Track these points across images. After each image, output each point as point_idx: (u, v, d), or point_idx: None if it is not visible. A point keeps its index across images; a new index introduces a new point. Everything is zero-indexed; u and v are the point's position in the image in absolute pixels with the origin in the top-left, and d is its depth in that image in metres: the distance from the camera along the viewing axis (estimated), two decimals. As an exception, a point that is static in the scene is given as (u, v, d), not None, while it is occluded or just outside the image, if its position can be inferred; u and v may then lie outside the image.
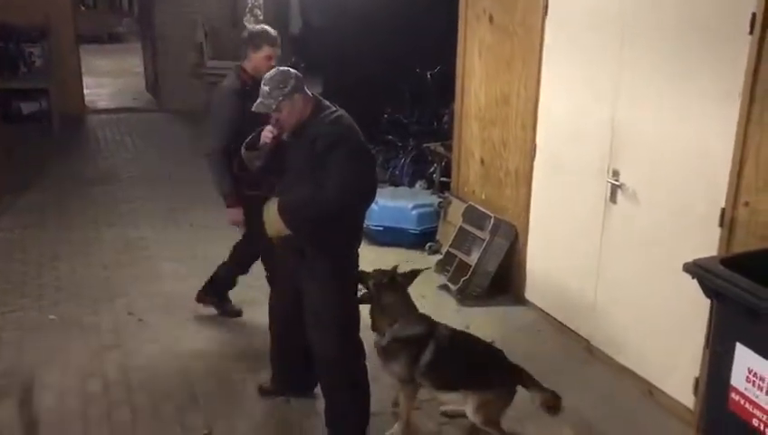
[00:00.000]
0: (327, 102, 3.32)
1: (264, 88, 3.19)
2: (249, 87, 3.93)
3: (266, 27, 4.17)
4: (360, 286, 3.48)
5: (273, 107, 3.16)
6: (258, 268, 5.39)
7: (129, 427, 3.61)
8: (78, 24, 11.07)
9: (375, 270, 3.48)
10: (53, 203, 6.95)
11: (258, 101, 3.20)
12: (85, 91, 11.32)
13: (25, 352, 4.26)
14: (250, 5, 9.54)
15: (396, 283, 3.45)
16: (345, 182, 3.11)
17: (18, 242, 5.97)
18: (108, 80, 13.89)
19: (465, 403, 3.45)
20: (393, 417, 3.64)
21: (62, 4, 10.49)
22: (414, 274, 3.52)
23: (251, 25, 4.17)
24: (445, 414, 3.74)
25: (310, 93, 3.26)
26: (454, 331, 3.54)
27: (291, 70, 3.25)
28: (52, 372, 4.06)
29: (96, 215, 6.69)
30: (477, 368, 3.47)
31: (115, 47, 18.29)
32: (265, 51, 4.06)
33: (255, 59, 4.07)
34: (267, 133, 3.31)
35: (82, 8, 16.21)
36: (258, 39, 4.08)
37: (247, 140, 3.41)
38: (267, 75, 3.23)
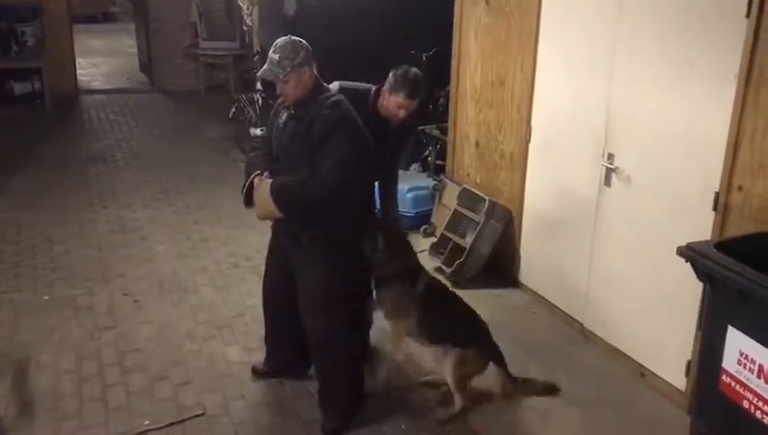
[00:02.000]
0: (327, 85, 3.30)
1: (274, 56, 3.12)
2: (371, 116, 3.59)
3: (417, 79, 3.63)
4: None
5: (281, 76, 3.11)
6: (253, 244, 5.41)
7: (124, 407, 3.62)
8: (71, 3, 10.95)
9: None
10: (47, 184, 6.92)
11: (265, 67, 3.15)
12: (78, 72, 11.23)
13: (20, 333, 4.26)
14: (245, -14, 9.46)
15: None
16: (340, 168, 3.09)
17: (12, 223, 5.94)
18: (101, 60, 13.77)
19: (442, 365, 3.61)
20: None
21: (54, -17, 10.39)
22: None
23: (407, 68, 3.63)
24: (426, 384, 3.83)
25: (315, 70, 3.22)
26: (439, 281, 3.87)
27: (303, 41, 3.18)
28: (47, 352, 4.06)
29: (90, 196, 6.67)
30: (462, 322, 3.67)
31: (109, 27, 18.10)
32: (399, 99, 3.60)
33: (387, 99, 3.64)
34: (257, 181, 3.29)
35: (75, -13, 16.03)
36: (399, 84, 3.59)
37: (244, 193, 3.36)
38: (279, 42, 3.16)
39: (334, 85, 3.61)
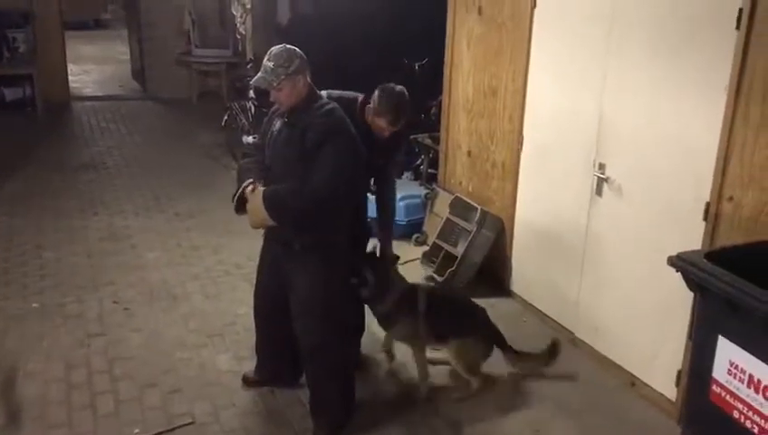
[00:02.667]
0: (320, 93, 3.31)
1: (268, 63, 3.13)
2: (361, 126, 3.59)
3: (400, 104, 3.64)
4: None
5: (275, 84, 3.12)
6: (244, 252, 5.40)
7: (114, 415, 3.60)
8: (63, 9, 10.94)
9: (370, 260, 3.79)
10: (38, 191, 6.89)
11: (259, 75, 3.15)
12: (70, 78, 11.21)
13: (8, 341, 4.22)
14: (238, -6, 9.48)
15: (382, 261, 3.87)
16: (332, 176, 3.09)
17: (2, 230, 5.90)
18: (93, 66, 13.75)
19: (449, 357, 3.84)
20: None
21: (46, -11, 10.37)
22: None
23: (391, 90, 3.64)
24: (430, 362, 3.90)
25: (309, 79, 3.23)
26: (434, 286, 4.07)
27: (297, 50, 3.19)
28: (35, 360, 4.03)
29: (81, 203, 6.64)
30: (463, 315, 3.90)
31: (101, 33, 18.11)
32: (382, 122, 3.63)
33: (372, 118, 3.66)
34: (250, 189, 3.29)
35: (68, -7, 16.02)
36: (382, 109, 3.61)
37: (235, 200, 3.35)
38: (273, 50, 3.17)
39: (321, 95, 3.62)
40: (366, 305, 3.89)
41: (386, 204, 3.97)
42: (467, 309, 3.93)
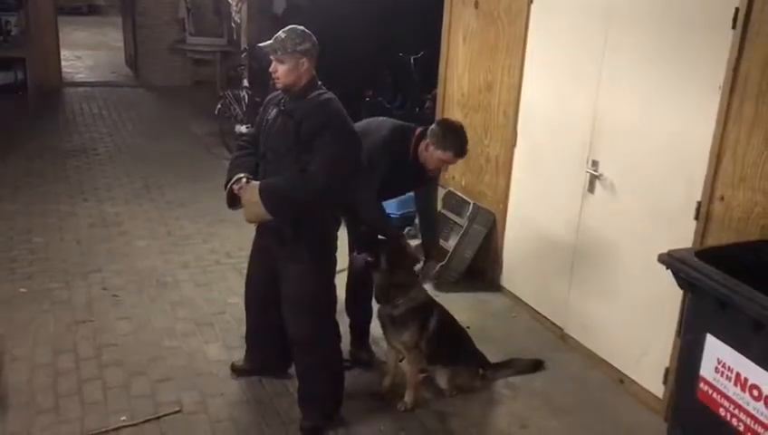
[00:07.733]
0: (320, 83, 3.30)
1: (281, 34, 3.16)
2: (410, 159, 3.71)
3: (464, 135, 3.70)
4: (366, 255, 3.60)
5: (279, 53, 3.12)
6: (235, 241, 5.38)
7: (101, 402, 3.58)
8: (57, -7, 10.89)
9: (385, 241, 3.63)
10: (27, 176, 6.84)
11: (269, 42, 3.17)
12: (63, 63, 11.13)
13: (-5, 325, 4.20)
14: (234, -17, 9.42)
15: (409, 256, 3.71)
16: (330, 167, 3.08)
17: (-10, 214, 5.87)
18: (86, 52, 13.67)
19: (437, 378, 3.81)
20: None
21: (40, -27, 10.29)
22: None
23: (453, 124, 3.75)
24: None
25: (314, 70, 3.23)
26: (446, 310, 3.85)
27: (313, 37, 3.20)
28: (22, 345, 4.00)
29: (71, 189, 6.60)
30: (460, 342, 3.84)
31: (94, 20, 18.00)
32: (446, 157, 3.65)
33: (432, 153, 3.65)
34: (236, 186, 3.28)
35: (62, -22, 15.91)
36: (449, 143, 3.62)
37: (227, 196, 3.34)
38: (290, 26, 3.20)
39: (386, 123, 3.79)
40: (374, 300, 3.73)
41: (428, 217, 4.16)
42: (462, 336, 3.87)
